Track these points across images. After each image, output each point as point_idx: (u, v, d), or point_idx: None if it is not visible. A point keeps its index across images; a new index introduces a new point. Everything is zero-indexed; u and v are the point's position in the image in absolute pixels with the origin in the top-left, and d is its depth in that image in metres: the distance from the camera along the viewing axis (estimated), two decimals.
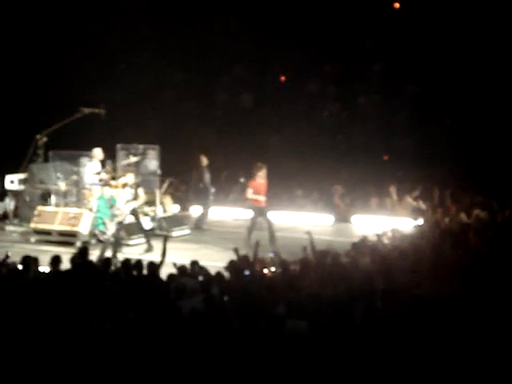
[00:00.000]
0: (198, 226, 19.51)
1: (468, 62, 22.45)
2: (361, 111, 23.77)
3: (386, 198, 19.75)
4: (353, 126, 23.45)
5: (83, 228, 17.27)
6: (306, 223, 19.11)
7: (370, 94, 23.80)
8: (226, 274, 11.44)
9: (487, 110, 21.65)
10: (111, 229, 16.04)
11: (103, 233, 16.40)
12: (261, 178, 16.91)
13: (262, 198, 16.81)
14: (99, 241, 16.86)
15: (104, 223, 16.32)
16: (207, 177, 19.70)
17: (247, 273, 11.40)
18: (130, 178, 17.30)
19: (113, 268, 12.32)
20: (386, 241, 13.86)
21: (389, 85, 23.55)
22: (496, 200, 16.61)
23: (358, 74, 24.38)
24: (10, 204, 19.12)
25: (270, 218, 16.98)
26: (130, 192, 16.78)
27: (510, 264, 11.57)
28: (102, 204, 16.50)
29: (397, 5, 24.50)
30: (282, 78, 25.46)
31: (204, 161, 19.77)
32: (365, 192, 20.64)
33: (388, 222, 17.79)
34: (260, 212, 16.91)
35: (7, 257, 12.44)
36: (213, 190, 19.89)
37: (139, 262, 11.82)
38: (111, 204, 16.36)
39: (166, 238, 12.48)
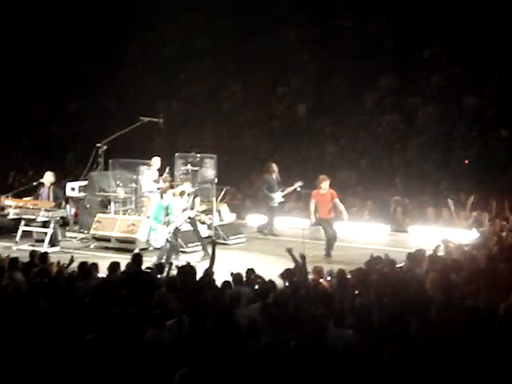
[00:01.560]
0: (260, 230, 19.78)
1: None
2: (418, 122, 23.64)
3: (443, 209, 19.60)
4: (410, 137, 23.33)
5: (141, 235, 17.50)
6: (362, 233, 19.08)
7: (428, 105, 23.66)
8: (281, 282, 11.50)
9: None
10: (166, 236, 16.28)
11: (157, 240, 16.66)
12: (323, 189, 17.21)
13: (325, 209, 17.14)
14: (156, 248, 17.09)
15: (159, 230, 16.54)
16: (275, 184, 19.80)
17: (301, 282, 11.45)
18: (186, 186, 17.55)
19: (167, 274, 12.41)
20: (442, 252, 13.78)
21: (447, 96, 23.39)
22: None
23: (416, 85, 24.28)
24: (70, 211, 19.43)
25: (336, 230, 17.22)
26: (186, 200, 16.98)
27: None
28: (159, 211, 16.72)
29: None
30: None
31: (274, 168, 19.87)
32: (421, 202, 20.52)
33: (445, 233, 17.66)
34: (325, 222, 17.17)
35: (72, 261, 12.68)
36: (282, 198, 19.96)
37: (193, 269, 11.95)
38: (167, 212, 16.56)
39: (214, 244, 12.55)
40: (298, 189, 19.99)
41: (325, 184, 17.25)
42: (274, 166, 19.92)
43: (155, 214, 16.79)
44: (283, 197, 19.95)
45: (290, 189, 19.94)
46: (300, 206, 20.71)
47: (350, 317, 9.58)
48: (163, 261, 15.24)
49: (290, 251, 12.15)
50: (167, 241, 16.23)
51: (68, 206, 19.30)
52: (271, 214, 19.96)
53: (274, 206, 19.79)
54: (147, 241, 17.45)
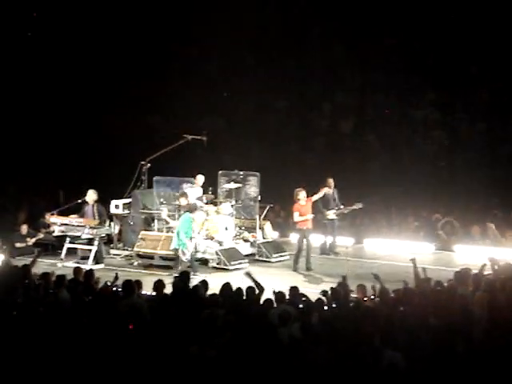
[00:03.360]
0: (331, 250, 19.47)
1: None
2: (464, 138, 23.42)
3: (487, 225, 19.35)
4: (455, 153, 23.12)
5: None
6: (406, 251, 18.90)
7: (475, 121, 23.43)
8: (325, 300, 11.42)
9: None
10: (191, 249, 16.80)
11: (184, 253, 16.85)
12: (302, 200, 17.58)
13: (309, 217, 17.61)
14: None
15: (188, 245, 16.85)
16: (331, 199, 19.56)
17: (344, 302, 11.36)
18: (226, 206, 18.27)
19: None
20: (488, 271, 13.56)
21: (493, 112, 23.14)
22: None
23: (463, 101, 24.07)
24: (115, 228, 19.54)
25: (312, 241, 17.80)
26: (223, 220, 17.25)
27: None
28: (186, 225, 16.91)
29: None
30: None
31: (330, 183, 19.53)
32: (467, 220, 20.27)
33: (491, 252, 17.38)
34: (303, 234, 17.59)
35: (116, 278, 12.73)
36: (335, 216, 19.60)
37: (239, 289, 11.92)
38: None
39: (248, 275, 12.48)
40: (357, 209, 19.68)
41: (302, 194, 17.57)
42: (331, 181, 19.53)
43: (186, 228, 16.92)
44: (338, 215, 19.59)
45: (349, 209, 19.57)
46: (343, 224, 20.56)
47: (396, 336, 9.47)
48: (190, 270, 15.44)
49: (344, 279, 12.11)
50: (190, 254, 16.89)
51: (113, 224, 19.41)
52: (326, 231, 19.56)
53: (324, 222, 19.56)
54: (190, 258, 17.43)
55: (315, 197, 18.06)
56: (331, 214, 19.42)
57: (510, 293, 11.78)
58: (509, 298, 11.45)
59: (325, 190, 18.61)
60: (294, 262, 17.69)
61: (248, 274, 12.38)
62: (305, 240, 17.65)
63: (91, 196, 18.33)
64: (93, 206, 18.32)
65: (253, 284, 12.05)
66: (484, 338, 9.45)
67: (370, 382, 7.99)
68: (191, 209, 17.40)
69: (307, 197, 17.74)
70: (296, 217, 17.69)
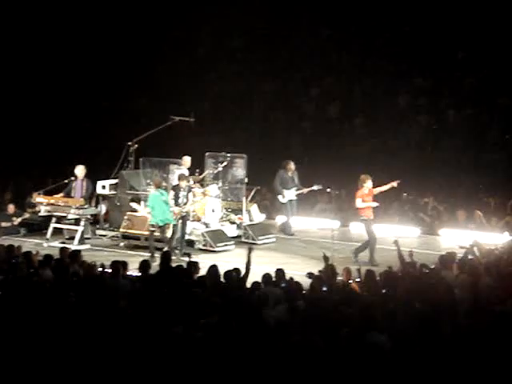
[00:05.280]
0: (285, 232, 19.68)
1: None
2: (450, 124, 23.48)
3: (475, 212, 19.44)
4: (442, 139, 23.18)
5: (171, 234, 17.51)
6: (392, 235, 18.97)
7: (461, 107, 23.49)
8: (308, 283, 11.48)
9: None
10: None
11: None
12: (367, 187, 16.85)
13: (373, 204, 16.85)
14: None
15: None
16: (289, 181, 19.71)
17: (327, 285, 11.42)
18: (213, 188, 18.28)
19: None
20: (472, 255, 13.66)
21: (480, 98, 23.21)
22: None
23: (449, 86, 24.11)
24: (101, 208, 19.54)
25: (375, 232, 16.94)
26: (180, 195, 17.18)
27: None
28: (159, 200, 17.04)
29: None
30: None
31: (291, 166, 19.76)
32: (452, 205, 20.37)
33: (476, 236, 17.48)
34: (370, 223, 16.91)
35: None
36: (294, 197, 19.83)
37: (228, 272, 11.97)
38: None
39: (250, 250, 12.50)
40: (316, 189, 19.90)
41: (369, 183, 16.89)
42: (292, 164, 19.76)
43: (159, 203, 17.16)
44: (296, 196, 19.78)
45: (307, 189, 19.80)
46: (330, 207, 20.63)
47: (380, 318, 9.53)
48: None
49: (325, 258, 12.14)
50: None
51: (101, 205, 19.43)
52: (284, 212, 19.81)
53: (283, 202, 19.69)
54: (176, 240, 17.46)
55: (378, 189, 17.07)
56: (290, 195, 19.60)
57: (494, 276, 11.88)
58: (491, 282, 11.54)
59: (392, 184, 17.35)
60: (370, 253, 16.52)
61: (250, 250, 12.41)
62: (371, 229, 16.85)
63: (81, 170, 18.35)
64: (82, 180, 18.35)
65: (245, 262, 12.13)
66: (467, 321, 9.52)
67: (351, 364, 8.02)
68: (158, 184, 17.36)
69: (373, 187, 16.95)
70: (359, 203, 16.79)
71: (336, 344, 8.57)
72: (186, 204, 17.24)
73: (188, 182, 17.76)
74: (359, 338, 8.52)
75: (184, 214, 17.25)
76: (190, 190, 17.54)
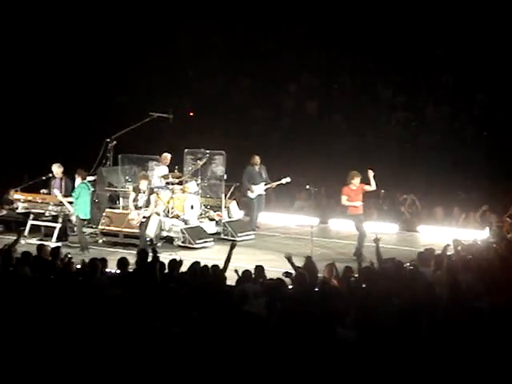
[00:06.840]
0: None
1: None
2: (428, 121, 23.59)
3: (454, 208, 19.55)
4: (420, 135, 23.29)
5: (150, 231, 17.47)
6: (370, 231, 19.04)
7: (439, 104, 23.61)
8: (288, 280, 11.50)
9: None
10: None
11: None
12: (354, 185, 16.93)
13: (357, 204, 16.86)
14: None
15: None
16: (257, 176, 19.67)
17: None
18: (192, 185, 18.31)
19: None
20: (451, 252, 13.74)
21: (458, 96, 23.34)
22: None
23: (427, 83, 24.23)
24: None
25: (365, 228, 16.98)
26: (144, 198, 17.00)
27: None
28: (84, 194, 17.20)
29: None
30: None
31: (256, 160, 19.71)
32: (430, 202, 20.47)
33: (455, 233, 17.61)
34: (358, 219, 16.96)
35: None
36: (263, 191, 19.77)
37: (205, 267, 11.98)
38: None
39: (232, 246, 12.50)
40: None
41: (357, 180, 16.95)
42: (257, 158, 19.72)
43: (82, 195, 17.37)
44: (265, 190, 19.76)
45: (275, 183, 19.78)
46: (309, 204, 20.68)
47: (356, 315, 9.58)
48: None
49: (289, 259, 12.02)
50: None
51: None
52: (251, 207, 19.76)
53: (251, 197, 19.68)
54: (155, 236, 17.44)
55: (368, 187, 17.11)
56: (259, 190, 19.57)
57: (473, 272, 11.95)
58: (469, 279, 11.61)
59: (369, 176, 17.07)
60: (358, 249, 16.63)
61: (233, 246, 12.41)
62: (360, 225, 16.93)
63: (57, 169, 18.23)
64: (61, 179, 18.21)
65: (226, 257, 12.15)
66: (445, 317, 9.59)
67: (321, 360, 8.04)
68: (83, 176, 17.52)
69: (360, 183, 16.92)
70: (343, 201, 16.93)
71: (310, 339, 8.59)
72: (147, 207, 16.98)
73: (150, 183, 17.58)
74: (328, 334, 8.54)
75: (143, 220, 16.93)
76: (152, 191, 17.29)
